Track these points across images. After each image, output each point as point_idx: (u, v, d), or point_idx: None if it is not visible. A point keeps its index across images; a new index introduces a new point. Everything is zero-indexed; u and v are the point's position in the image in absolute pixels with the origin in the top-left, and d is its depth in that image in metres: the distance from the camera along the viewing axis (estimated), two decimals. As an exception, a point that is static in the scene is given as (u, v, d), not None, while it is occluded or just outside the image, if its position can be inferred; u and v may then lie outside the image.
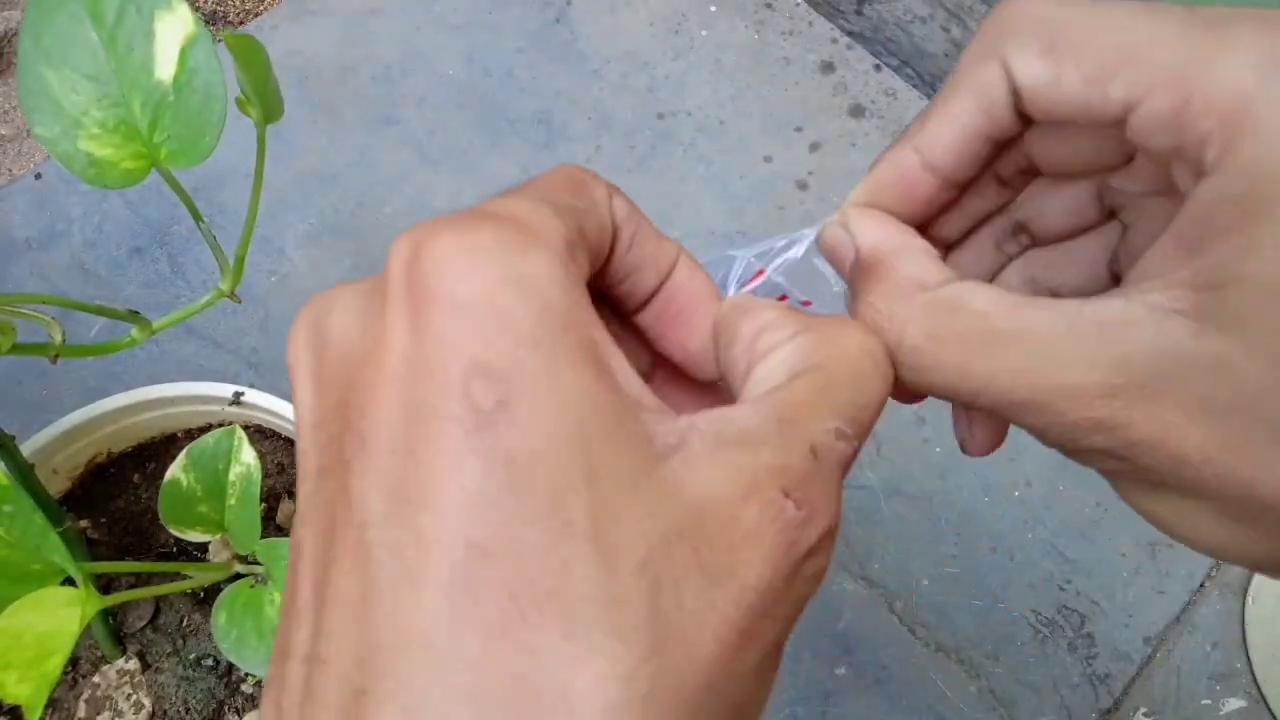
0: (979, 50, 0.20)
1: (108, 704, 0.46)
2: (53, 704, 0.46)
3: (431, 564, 0.14)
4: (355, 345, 0.16)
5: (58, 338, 0.32)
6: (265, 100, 0.31)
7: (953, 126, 0.21)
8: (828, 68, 0.84)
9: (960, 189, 0.23)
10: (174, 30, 0.30)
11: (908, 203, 0.22)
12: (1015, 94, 0.19)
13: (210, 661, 0.47)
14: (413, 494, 0.14)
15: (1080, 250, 0.24)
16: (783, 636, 0.16)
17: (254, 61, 0.30)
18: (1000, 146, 0.22)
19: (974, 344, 0.19)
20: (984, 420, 0.24)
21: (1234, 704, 0.62)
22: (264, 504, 0.45)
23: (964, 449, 0.24)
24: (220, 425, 0.48)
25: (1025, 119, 0.20)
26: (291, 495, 0.52)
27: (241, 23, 0.86)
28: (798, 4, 0.87)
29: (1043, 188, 0.24)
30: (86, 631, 0.47)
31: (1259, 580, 0.64)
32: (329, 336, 0.17)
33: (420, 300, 0.15)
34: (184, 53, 0.30)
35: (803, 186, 0.77)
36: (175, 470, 0.44)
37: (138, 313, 0.35)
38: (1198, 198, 0.17)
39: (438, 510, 0.14)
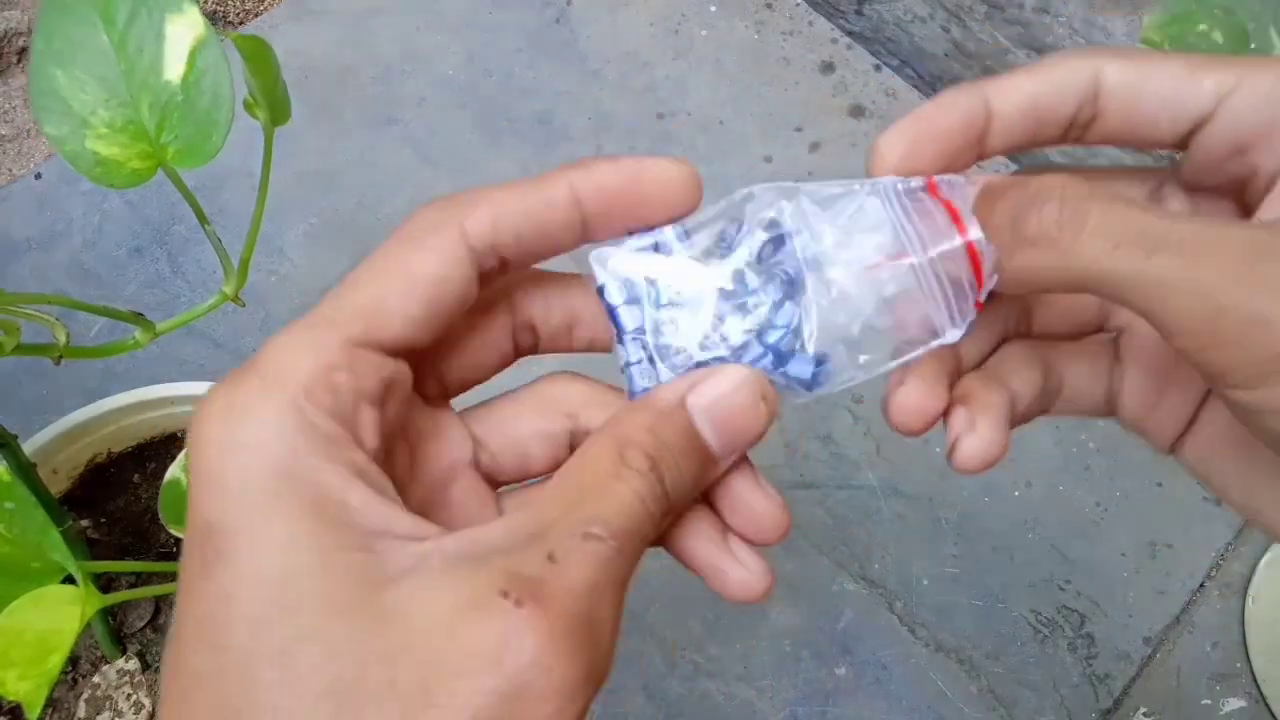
0: (1066, 56, 0.22)
1: (108, 704, 0.46)
2: (53, 704, 0.46)
3: (168, 687, 0.17)
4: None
5: (62, 339, 0.32)
6: (273, 102, 0.31)
7: (1031, 83, 0.22)
8: (828, 68, 0.84)
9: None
10: (184, 32, 0.30)
11: (957, 151, 0.22)
12: (1094, 92, 0.21)
13: (211, 661, 0.47)
14: (173, 627, 0.17)
15: (1077, 367, 0.25)
16: None
17: (263, 63, 0.30)
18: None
19: (1154, 228, 0.19)
20: (992, 418, 0.22)
21: (1234, 704, 0.62)
22: (265, 504, 0.45)
23: (955, 456, 0.23)
24: (221, 425, 0.48)
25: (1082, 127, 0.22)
26: (292, 495, 0.52)
27: (241, 22, 0.86)
28: (798, 4, 0.87)
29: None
30: (86, 631, 0.47)
31: (1259, 580, 0.64)
32: None
33: (191, 470, 0.18)
34: (193, 54, 0.30)
35: (803, 187, 0.77)
36: (175, 470, 0.44)
37: (141, 315, 0.35)
38: None
39: (178, 640, 0.17)
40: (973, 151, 0.23)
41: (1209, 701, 0.62)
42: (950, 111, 0.22)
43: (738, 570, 0.22)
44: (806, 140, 0.80)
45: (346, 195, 0.75)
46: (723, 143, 0.79)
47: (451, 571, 0.17)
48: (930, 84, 0.85)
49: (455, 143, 0.78)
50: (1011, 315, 0.25)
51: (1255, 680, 0.62)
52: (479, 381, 0.23)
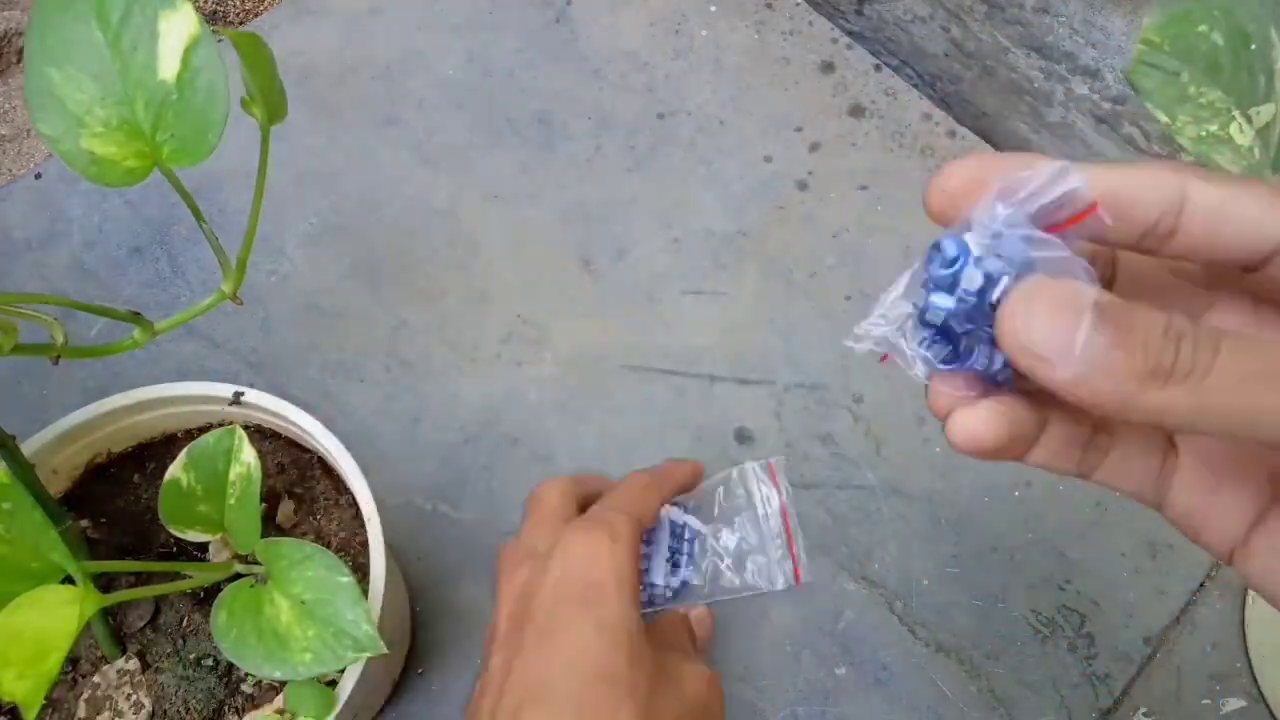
0: (1157, 163, 0.22)
1: (108, 704, 0.46)
2: (52, 704, 0.46)
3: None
4: (529, 580, 0.43)
5: (59, 338, 0.32)
6: (270, 100, 0.32)
7: (1119, 178, 0.22)
8: (828, 68, 0.84)
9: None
10: (178, 30, 0.30)
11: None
12: (1177, 208, 0.21)
13: (210, 661, 0.47)
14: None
15: (1130, 438, 0.25)
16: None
17: (259, 61, 0.30)
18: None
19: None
20: (1001, 411, 0.23)
21: (1234, 704, 0.62)
22: (264, 504, 0.45)
23: (946, 426, 0.23)
24: (220, 425, 0.48)
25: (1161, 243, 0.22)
26: (291, 495, 0.52)
27: (241, 22, 0.86)
28: (798, 4, 0.87)
29: None
30: (86, 631, 0.47)
31: (1259, 580, 0.64)
32: (517, 574, 0.44)
33: (557, 566, 0.41)
34: (187, 52, 0.30)
35: (803, 186, 0.77)
36: (175, 470, 0.44)
37: (139, 314, 0.35)
38: None
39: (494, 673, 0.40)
40: None
41: (1209, 701, 0.62)
42: (1021, 161, 0.22)
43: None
44: (806, 140, 0.80)
45: (346, 195, 0.75)
46: (723, 142, 0.79)
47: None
48: (930, 84, 0.85)
49: (455, 143, 0.78)
50: None
51: (1255, 680, 0.62)
52: None
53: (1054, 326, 0.20)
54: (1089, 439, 0.24)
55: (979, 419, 0.22)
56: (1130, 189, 0.21)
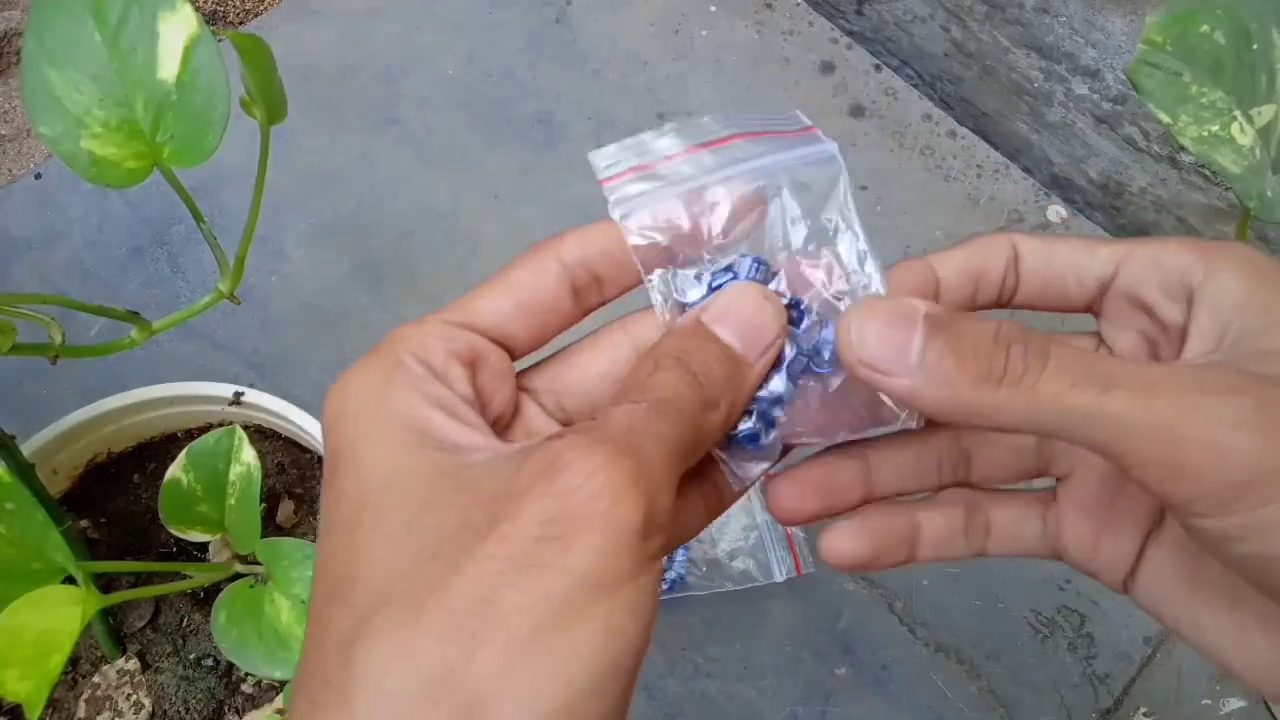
0: (988, 234, 0.26)
1: (108, 704, 0.46)
2: (53, 704, 0.46)
3: (315, 580, 0.21)
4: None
5: (57, 338, 0.32)
6: (270, 100, 0.31)
7: (964, 253, 0.25)
8: (828, 68, 0.84)
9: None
10: (177, 30, 0.30)
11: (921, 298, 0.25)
12: (1014, 259, 0.25)
13: (210, 661, 0.47)
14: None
15: (1005, 509, 0.27)
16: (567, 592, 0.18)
17: (259, 61, 0.30)
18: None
19: (1108, 367, 0.21)
20: (859, 529, 0.26)
21: (1234, 704, 0.62)
22: (264, 504, 0.45)
23: (828, 555, 0.26)
24: (220, 425, 0.48)
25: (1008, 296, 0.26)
26: (291, 495, 0.52)
27: (241, 22, 0.86)
28: (798, 4, 0.87)
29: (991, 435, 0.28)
30: (86, 631, 0.47)
31: (1259, 580, 0.64)
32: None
33: (323, 424, 0.23)
34: (187, 52, 0.30)
35: (803, 187, 0.77)
36: (175, 470, 0.44)
37: (137, 313, 0.35)
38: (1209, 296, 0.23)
39: (317, 550, 0.21)
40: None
41: (1209, 701, 0.62)
42: (905, 274, 0.25)
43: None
44: (806, 140, 0.80)
45: (346, 195, 0.75)
46: (723, 142, 0.79)
47: (517, 453, 0.20)
48: (930, 84, 0.85)
49: (455, 143, 0.78)
50: (947, 464, 0.27)
51: (1256, 680, 0.62)
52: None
53: (888, 340, 0.22)
54: (965, 525, 0.27)
55: (845, 537, 0.25)
56: (975, 257, 0.25)
